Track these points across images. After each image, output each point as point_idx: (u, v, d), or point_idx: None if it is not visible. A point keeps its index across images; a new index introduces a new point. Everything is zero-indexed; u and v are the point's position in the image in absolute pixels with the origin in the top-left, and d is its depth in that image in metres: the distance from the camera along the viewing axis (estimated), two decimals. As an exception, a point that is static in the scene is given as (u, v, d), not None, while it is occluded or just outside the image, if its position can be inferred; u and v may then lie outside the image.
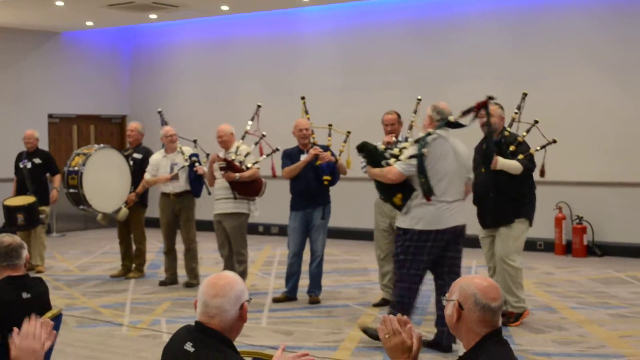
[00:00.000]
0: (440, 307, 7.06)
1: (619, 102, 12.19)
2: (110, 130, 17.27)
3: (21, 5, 13.21)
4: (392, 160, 7.02)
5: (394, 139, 8.21)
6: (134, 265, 11.00)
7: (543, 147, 8.09)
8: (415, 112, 8.46)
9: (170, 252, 10.40)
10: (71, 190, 10.29)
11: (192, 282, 10.19)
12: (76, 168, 10.22)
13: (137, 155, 10.74)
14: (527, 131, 8.09)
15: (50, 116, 16.19)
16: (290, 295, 9.29)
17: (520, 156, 7.83)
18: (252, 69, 15.63)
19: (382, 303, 8.84)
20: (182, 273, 10.49)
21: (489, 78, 13.05)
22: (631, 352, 7.00)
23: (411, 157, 6.85)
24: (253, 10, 14.87)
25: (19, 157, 11.52)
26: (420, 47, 13.84)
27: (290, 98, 14.73)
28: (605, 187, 12.36)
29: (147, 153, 10.73)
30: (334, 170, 9.14)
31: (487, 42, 13.24)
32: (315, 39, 14.95)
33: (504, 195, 7.89)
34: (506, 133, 7.98)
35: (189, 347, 3.28)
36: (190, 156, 10.00)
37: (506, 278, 7.91)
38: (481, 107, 7.35)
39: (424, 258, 6.93)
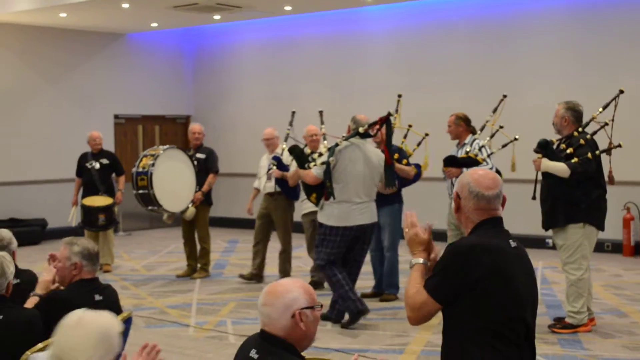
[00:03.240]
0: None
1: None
2: (175, 130, 17.45)
3: (87, 8, 13.40)
4: (312, 164, 8.18)
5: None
6: (199, 265, 11.11)
7: (604, 151, 7.72)
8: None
9: (256, 246, 10.60)
10: (141, 192, 10.40)
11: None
12: (145, 169, 10.35)
13: (200, 155, 10.90)
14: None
15: (116, 117, 16.42)
16: (377, 291, 9.53)
17: (575, 159, 7.54)
18: (314, 68, 15.65)
19: None
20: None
21: (551, 78, 12.88)
22: None
23: (322, 163, 8.00)
24: (316, 10, 14.87)
25: (84, 158, 11.69)
26: (483, 46, 13.70)
27: (352, 97, 14.75)
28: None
29: (211, 153, 10.98)
30: (397, 177, 9.01)
31: (550, 42, 13.03)
32: (378, 39, 14.90)
33: (553, 199, 7.70)
34: (575, 134, 7.75)
35: (253, 354, 3.28)
36: (273, 158, 10.16)
37: (568, 286, 7.77)
38: (383, 122, 8.19)
39: (334, 251, 8.02)
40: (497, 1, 13.62)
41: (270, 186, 10.26)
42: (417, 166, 9.27)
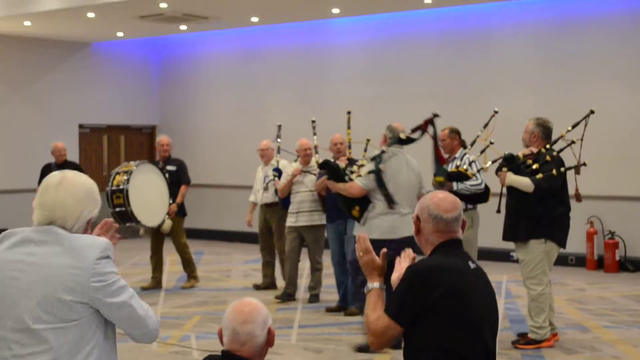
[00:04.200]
0: None
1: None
2: (141, 141, 17.35)
3: (52, 16, 13.30)
4: (353, 176, 7.82)
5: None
6: (186, 274, 11.15)
7: (570, 168, 7.75)
8: (486, 126, 8.47)
9: (264, 259, 10.88)
10: (117, 209, 10.33)
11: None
12: (121, 186, 10.33)
13: (170, 168, 10.93)
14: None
15: (81, 126, 16.29)
16: (342, 304, 9.43)
17: (540, 175, 7.58)
18: (282, 80, 15.64)
19: None
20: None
21: (519, 89, 13.00)
22: (666, 374, 6.92)
23: (369, 172, 7.64)
24: (283, 22, 14.86)
25: (48, 169, 11.59)
26: (451, 58, 13.77)
27: (318, 108, 14.73)
28: (637, 201, 12.22)
29: (181, 164, 11.05)
30: None
31: (519, 53, 13.14)
32: (346, 50, 14.92)
33: (516, 213, 7.73)
34: (542, 150, 7.78)
35: None
36: (274, 170, 10.45)
37: (529, 301, 7.81)
38: (428, 124, 7.85)
39: None
40: (465, 14, 13.69)
41: (268, 197, 10.52)
42: None
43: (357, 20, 14.52)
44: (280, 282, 10.71)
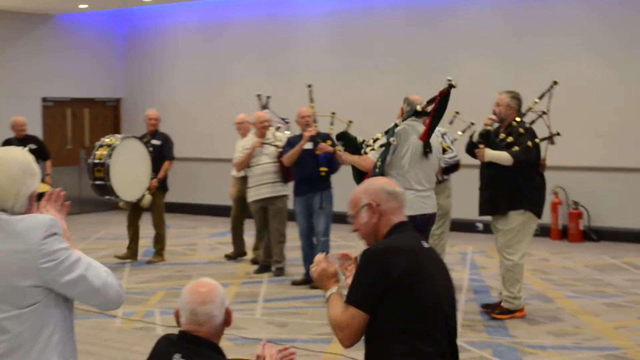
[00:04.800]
0: None
1: (614, 88, 12.13)
2: (105, 113, 17.16)
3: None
4: (368, 149, 7.42)
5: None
6: (154, 250, 11.13)
7: (544, 139, 7.90)
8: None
9: (236, 231, 11.00)
10: (97, 182, 10.43)
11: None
12: (102, 160, 10.37)
13: (155, 142, 10.94)
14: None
15: (44, 100, 16.08)
16: (308, 278, 9.37)
17: (516, 148, 7.64)
18: (247, 51, 15.51)
19: None
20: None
21: (485, 62, 13.02)
22: (626, 344, 6.98)
23: (381, 145, 7.24)
24: (248, -7, 14.72)
25: (8, 144, 11.46)
26: (417, 30, 13.73)
27: (285, 80, 14.65)
28: (601, 172, 12.31)
29: (166, 139, 11.03)
30: (333, 161, 9.23)
31: (485, 26, 13.14)
32: (311, 22, 14.83)
33: (496, 186, 7.79)
34: (514, 123, 7.80)
35: (178, 358, 3.23)
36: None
37: (502, 270, 7.87)
38: (443, 95, 7.37)
39: None
40: (429, -15, 13.66)
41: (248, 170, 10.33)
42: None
43: (322, -10, 14.43)
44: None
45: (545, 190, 8.09)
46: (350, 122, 9.25)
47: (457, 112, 9.08)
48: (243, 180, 10.59)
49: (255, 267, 10.31)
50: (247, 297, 8.87)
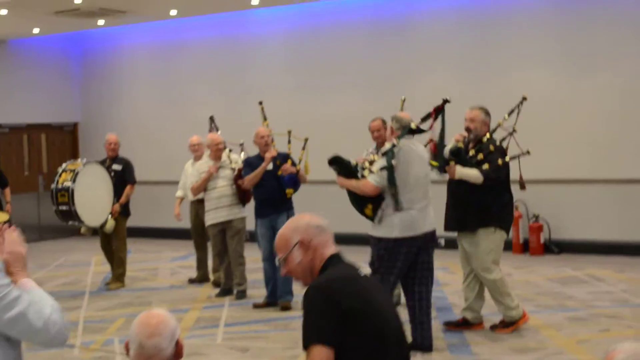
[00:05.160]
0: (412, 313, 7.25)
1: (572, 100, 12.20)
2: (62, 138, 16.95)
3: (-36, 14, 12.90)
4: (366, 172, 7.19)
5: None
6: (112, 276, 11.02)
7: (514, 157, 7.93)
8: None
9: (199, 255, 10.98)
10: (62, 208, 10.41)
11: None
12: (66, 184, 10.36)
13: (116, 167, 10.95)
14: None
15: (-1, 126, 15.87)
16: (270, 301, 9.36)
17: (486, 165, 7.62)
18: (204, 71, 15.43)
19: None
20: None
21: (446, 77, 13.04)
22: (588, 357, 6.98)
23: (382, 169, 7.03)
24: (202, 14, 14.64)
25: None
26: (374, 47, 13.74)
27: (243, 100, 14.58)
28: (560, 184, 12.37)
29: (127, 164, 11.02)
30: (296, 181, 9.32)
31: (444, 41, 13.18)
32: (267, 41, 14.78)
33: (465, 204, 7.77)
34: (484, 140, 7.80)
35: None
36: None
37: (488, 290, 7.86)
38: (438, 112, 7.39)
39: (398, 265, 7.08)
40: (385, 2, 13.68)
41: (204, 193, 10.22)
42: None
43: (277, 10, 14.39)
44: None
45: (513, 207, 8.11)
46: (306, 139, 9.32)
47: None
48: (198, 204, 10.57)
49: (217, 290, 10.20)
50: (208, 322, 8.76)
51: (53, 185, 10.49)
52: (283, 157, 9.36)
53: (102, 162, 10.93)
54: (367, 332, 3.31)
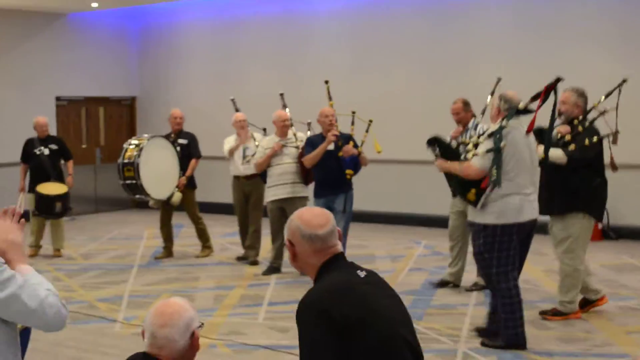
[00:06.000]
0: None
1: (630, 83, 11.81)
2: (120, 112, 17.08)
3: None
4: (470, 155, 6.80)
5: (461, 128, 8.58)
6: (201, 244, 11.36)
7: (602, 138, 7.55)
8: (492, 93, 8.56)
9: (244, 230, 10.92)
10: (128, 182, 10.73)
11: (256, 259, 10.67)
12: (131, 160, 10.65)
13: (182, 141, 11.13)
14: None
15: (58, 99, 16.00)
16: None
17: (572, 146, 7.36)
18: (262, 48, 15.34)
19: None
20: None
21: (503, 59, 12.73)
22: (636, 350, 6.73)
23: (488, 151, 6.62)
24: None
25: (31, 144, 11.62)
26: (432, 25, 13.51)
27: (300, 78, 14.47)
28: (620, 169, 11.96)
29: (193, 138, 11.23)
30: (357, 163, 9.26)
31: (498, 23, 12.89)
32: (325, 18, 14.62)
33: (553, 187, 7.50)
34: (575, 122, 7.53)
35: None
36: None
37: (561, 275, 7.65)
38: (550, 90, 6.94)
39: (511, 253, 6.69)
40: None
41: (250, 168, 10.46)
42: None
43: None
44: (263, 254, 10.83)
45: (606, 191, 7.72)
46: (371, 121, 9.25)
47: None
48: (245, 180, 10.69)
49: (263, 268, 10.15)
50: (252, 300, 8.71)
51: (119, 160, 10.76)
52: (345, 138, 9.27)
53: (167, 137, 11.13)
54: (371, 342, 3.14)
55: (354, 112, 9.40)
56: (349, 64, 14.22)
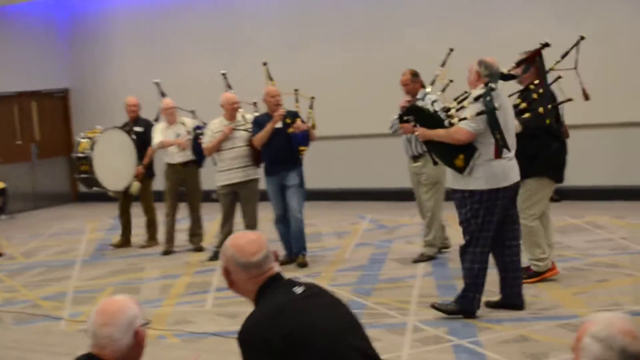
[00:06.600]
0: (504, 269, 6.92)
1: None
2: (53, 105, 16.71)
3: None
4: (455, 120, 6.70)
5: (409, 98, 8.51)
6: (148, 236, 11.19)
7: (555, 105, 7.55)
8: (443, 64, 8.53)
9: (170, 219, 10.63)
10: (83, 176, 10.85)
11: (201, 245, 10.62)
12: (85, 154, 10.69)
13: (138, 129, 10.93)
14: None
15: (-12, 95, 15.62)
16: (289, 258, 9.34)
17: (527, 114, 7.34)
18: (196, 30, 15.14)
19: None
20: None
21: (436, 26, 12.76)
22: (585, 311, 6.74)
23: (479, 113, 6.52)
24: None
25: None
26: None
27: (236, 59, 14.29)
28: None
29: (148, 124, 10.99)
30: (308, 138, 9.25)
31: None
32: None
33: (517, 154, 7.49)
34: (531, 87, 7.47)
35: None
36: (195, 128, 10.39)
37: (523, 235, 7.58)
38: (535, 56, 6.96)
39: (494, 219, 6.66)
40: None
41: (186, 155, 10.36)
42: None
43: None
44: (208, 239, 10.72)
45: (565, 155, 7.77)
46: (312, 98, 9.26)
47: (451, 81, 8.60)
48: (181, 167, 10.46)
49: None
50: (199, 288, 8.61)
51: (73, 154, 10.78)
52: (293, 115, 9.23)
53: (124, 126, 11.00)
54: (315, 357, 3.13)
55: (296, 90, 9.43)
56: (285, 42, 14.10)
